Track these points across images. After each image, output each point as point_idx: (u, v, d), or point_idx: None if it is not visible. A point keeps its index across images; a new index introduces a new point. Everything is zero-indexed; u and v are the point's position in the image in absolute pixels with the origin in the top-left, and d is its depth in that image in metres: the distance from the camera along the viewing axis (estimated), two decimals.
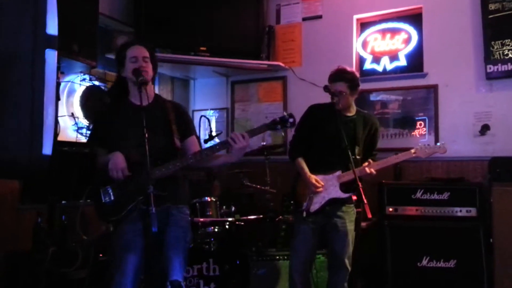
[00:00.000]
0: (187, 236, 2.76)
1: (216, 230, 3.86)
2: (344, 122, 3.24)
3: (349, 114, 3.34)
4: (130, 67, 2.66)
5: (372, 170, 3.15)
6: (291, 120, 2.66)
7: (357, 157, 3.27)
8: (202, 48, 4.86)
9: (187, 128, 2.83)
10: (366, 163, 3.20)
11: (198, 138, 2.92)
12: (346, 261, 3.23)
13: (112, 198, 2.59)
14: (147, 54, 2.71)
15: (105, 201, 2.60)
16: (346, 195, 3.24)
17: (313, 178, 3.22)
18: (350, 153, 3.06)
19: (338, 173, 3.24)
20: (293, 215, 3.38)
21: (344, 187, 3.23)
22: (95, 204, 2.65)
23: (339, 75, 3.25)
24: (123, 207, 2.58)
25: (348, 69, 3.33)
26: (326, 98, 3.17)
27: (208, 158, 2.67)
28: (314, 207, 3.21)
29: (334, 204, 3.24)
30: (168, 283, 2.56)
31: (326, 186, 3.22)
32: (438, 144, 3.32)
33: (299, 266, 3.30)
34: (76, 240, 3.66)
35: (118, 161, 2.56)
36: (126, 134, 2.66)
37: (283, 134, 2.86)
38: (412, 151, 3.26)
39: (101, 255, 3.53)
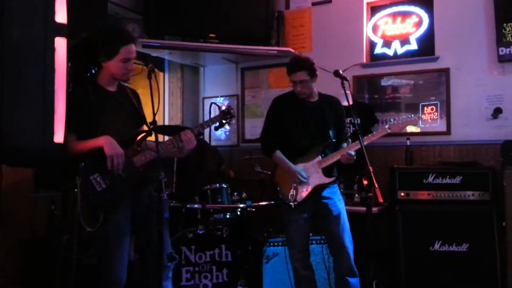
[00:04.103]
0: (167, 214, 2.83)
1: (228, 216, 3.89)
2: (310, 109, 3.30)
3: (313, 100, 3.36)
4: (119, 66, 2.61)
5: (351, 152, 3.17)
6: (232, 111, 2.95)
7: (333, 140, 3.33)
8: (211, 35, 4.83)
9: (143, 114, 2.86)
10: (346, 147, 3.25)
11: None
12: (346, 239, 3.24)
13: (104, 186, 2.52)
14: (135, 54, 2.68)
15: (99, 190, 2.51)
16: (331, 179, 3.28)
17: (298, 170, 3.23)
18: (323, 137, 3.23)
19: (318, 159, 3.27)
20: (280, 206, 3.37)
21: (325, 171, 3.27)
22: (88, 193, 2.51)
23: (298, 64, 3.25)
24: (118, 194, 2.55)
25: (303, 57, 3.38)
26: (337, 84, 3.15)
27: (174, 148, 2.73)
28: (301, 196, 3.23)
29: (320, 189, 3.27)
30: (166, 256, 2.58)
31: (309, 173, 3.25)
32: (410, 116, 3.35)
33: (298, 255, 3.33)
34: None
35: (117, 147, 2.50)
36: (103, 120, 2.60)
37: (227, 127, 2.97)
38: (387, 127, 3.28)
39: None
